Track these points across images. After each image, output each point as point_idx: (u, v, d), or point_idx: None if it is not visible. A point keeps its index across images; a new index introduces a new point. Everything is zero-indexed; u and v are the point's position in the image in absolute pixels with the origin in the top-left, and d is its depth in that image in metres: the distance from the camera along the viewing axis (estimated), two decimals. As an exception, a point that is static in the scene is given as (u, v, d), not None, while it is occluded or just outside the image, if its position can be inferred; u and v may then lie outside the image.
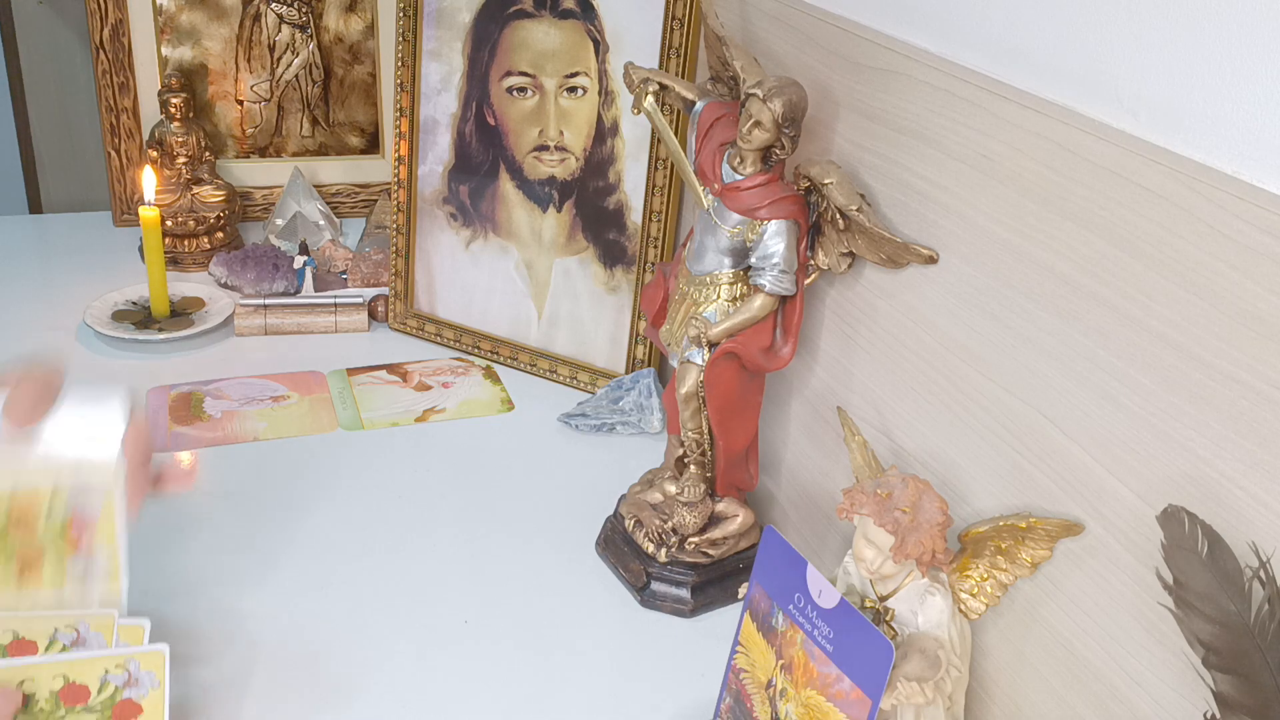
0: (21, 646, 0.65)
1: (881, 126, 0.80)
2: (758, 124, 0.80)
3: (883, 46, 0.80)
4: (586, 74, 1.16)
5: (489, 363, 1.26)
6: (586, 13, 1.15)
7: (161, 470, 0.70)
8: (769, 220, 0.83)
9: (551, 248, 1.23)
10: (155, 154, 1.45)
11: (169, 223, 1.39)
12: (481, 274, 1.27)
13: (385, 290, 1.35)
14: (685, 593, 0.91)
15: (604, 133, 1.17)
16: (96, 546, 0.65)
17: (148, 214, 1.23)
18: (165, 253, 1.29)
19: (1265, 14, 0.52)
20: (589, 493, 1.04)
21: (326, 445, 1.10)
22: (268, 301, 1.30)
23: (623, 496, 0.99)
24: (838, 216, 0.81)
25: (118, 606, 0.67)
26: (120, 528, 0.67)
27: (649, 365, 1.18)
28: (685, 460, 0.93)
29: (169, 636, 0.68)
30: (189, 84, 1.47)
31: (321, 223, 1.47)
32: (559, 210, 1.21)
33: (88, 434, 0.65)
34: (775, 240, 0.83)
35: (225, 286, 1.37)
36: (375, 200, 1.57)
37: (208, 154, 1.47)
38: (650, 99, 0.88)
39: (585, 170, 1.19)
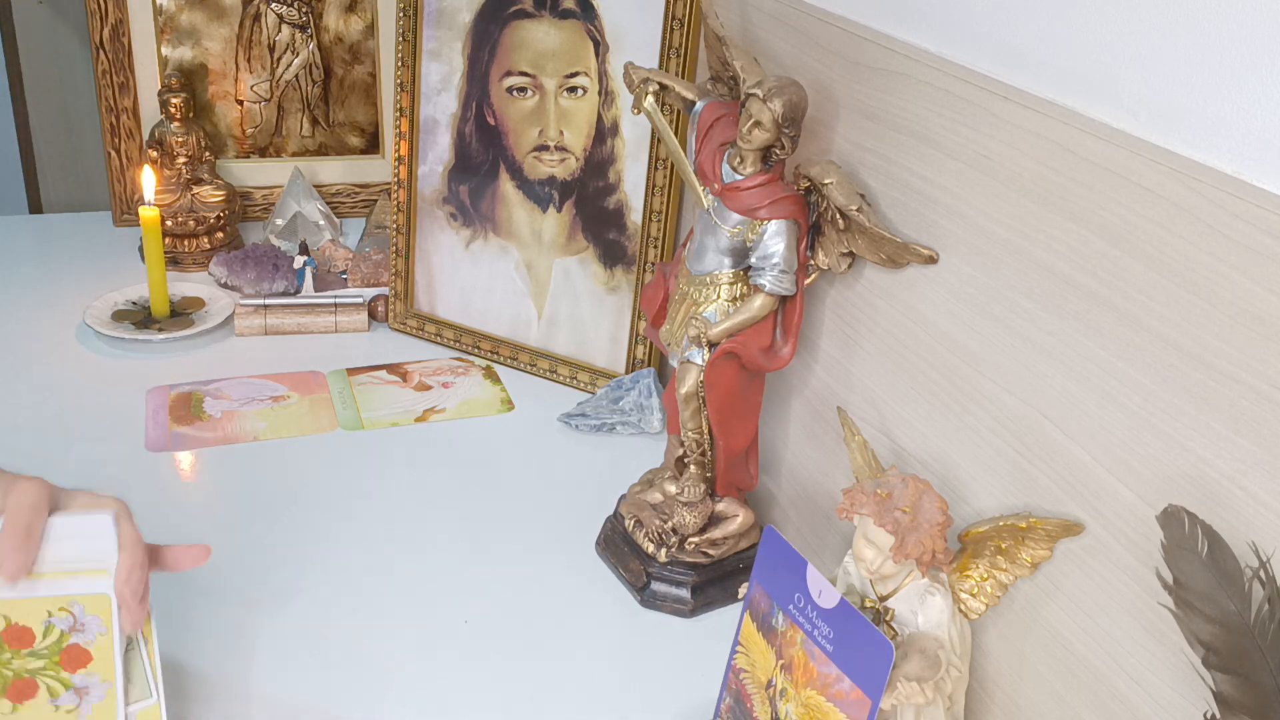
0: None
1: (881, 126, 0.80)
2: (758, 124, 0.80)
3: (883, 46, 0.80)
4: (586, 74, 1.16)
5: (489, 363, 1.26)
6: (586, 13, 1.15)
7: (165, 556, 0.68)
8: (769, 220, 0.83)
9: (551, 248, 1.23)
10: (155, 154, 1.45)
11: (169, 223, 1.39)
12: (481, 274, 1.27)
13: (385, 290, 1.35)
14: (685, 593, 0.91)
15: (604, 133, 1.17)
16: (96, 660, 0.64)
17: (148, 214, 1.23)
18: (165, 253, 1.29)
19: (1265, 14, 0.52)
20: (589, 493, 1.04)
21: (326, 445, 1.10)
22: (268, 301, 1.30)
23: (623, 496, 0.99)
24: (838, 216, 0.81)
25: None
26: (152, 648, 0.66)
27: (649, 365, 1.18)
28: (685, 460, 0.93)
29: (167, 636, 0.68)
30: (189, 84, 1.47)
31: (321, 223, 1.48)
32: (559, 210, 1.21)
33: (81, 563, 0.63)
34: (775, 240, 0.83)
35: (225, 286, 1.37)
36: (375, 200, 1.57)
37: (208, 154, 1.47)
38: (650, 99, 0.88)
39: (585, 170, 1.19)
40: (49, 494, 0.62)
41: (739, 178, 0.83)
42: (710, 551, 0.92)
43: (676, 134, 1.01)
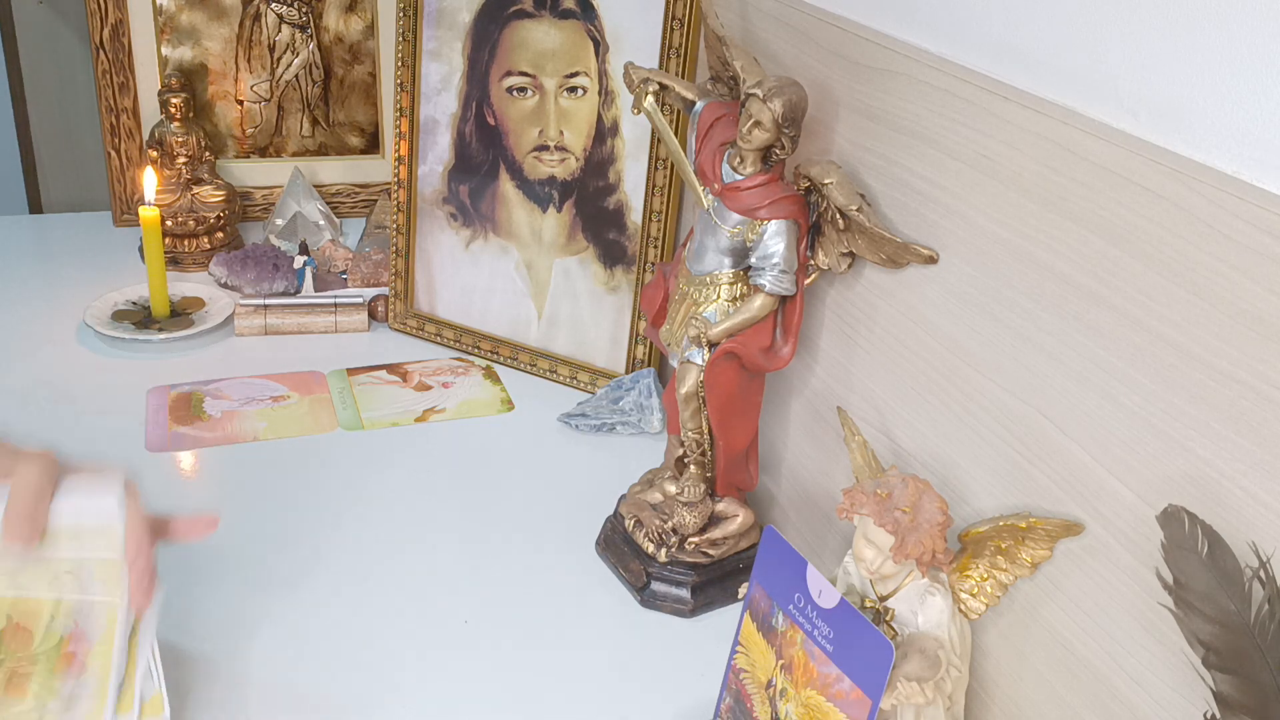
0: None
1: (881, 126, 0.80)
2: (758, 124, 0.80)
3: (883, 46, 0.80)
4: (586, 74, 1.16)
5: (489, 363, 1.26)
6: (586, 13, 1.15)
7: (174, 526, 0.68)
8: (769, 220, 0.83)
9: (551, 248, 1.23)
10: (155, 154, 1.45)
11: (169, 223, 1.39)
12: (481, 274, 1.27)
13: (385, 290, 1.35)
14: (685, 593, 0.91)
15: (604, 133, 1.17)
16: (90, 667, 0.64)
17: (148, 214, 1.23)
18: (165, 253, 1.29)
19: (1265, 14, 0.52)
20: (589, 493, 1.03)
21: (326, 445, 1.10)
22: (268, 301, 1.30)
23: (623, 496, 0.99)
24: (838, 216, 0.81)
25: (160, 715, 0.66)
26: (147, 631, 0.66)
27: (649, 365, 1.18)
28: (685, 460, 0.93)
29: (167, 636, 0.68)
30: (189, 84, 1.47)
31: (321, 223, 1.48)
32: (559, 210, 1.21)
33: (88, 536, 0.63)
34: (775, 240, 0.83)
35: (225, 286, 1.37)
36: (375, 200, 1.57)
37: (208, 154, 1.47)
38: (650, 99, 0.88)
39: (585, 170, 1.19)
40: (57, 466, 0.63)
41: (739, 178, 0.83)
42: (710, 551, 0.92)
43: (676, 134, 1.01)
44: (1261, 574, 0.50)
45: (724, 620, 0.90)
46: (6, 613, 0.63)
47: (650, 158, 1.13)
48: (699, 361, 0.87)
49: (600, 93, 1.16)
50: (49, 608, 0.63)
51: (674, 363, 0.91)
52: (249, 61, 1.51)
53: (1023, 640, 0.69)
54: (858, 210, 0.79)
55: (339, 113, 1.56)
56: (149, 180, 1.30)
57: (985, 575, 0.68)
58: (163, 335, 1.24)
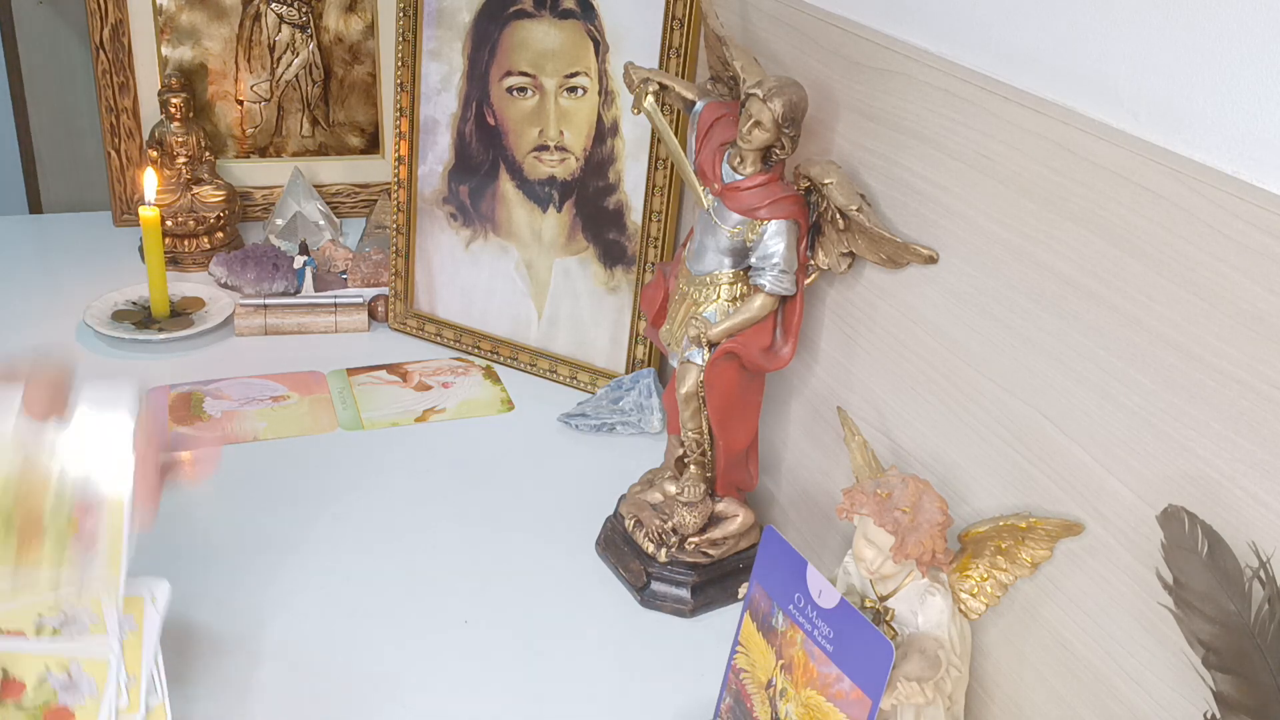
0: (10, 686, 0.64)
1: (881, 126, 0.80)
2: (758, 124, 0.80)
3: (883, 46, 0.80)
4: (586, 74, 1.16)
5: (489, 363, 1.26)
6: (586, 13, 1.15)
7: (176, 461, 0.70)
8: (769, 220, 0.83)
9: (551, 248, 1.23)
10: (155, 154, 1.45)
11: (169, 223, 1.39)
12: (481, 274, 1.27)
13: (385, 290, 1.35)
14: (685, 593, 0.91)
15: (604, 133, 1.17)
16: (100, 533, 0.63)
17: (148, 214, 1.23)
18: (165, 253, 1.29)
19: (1265, 14, 0.52)
20: (589, 493, 1.03)
21: (326, 445, 1.10)
22: (268, 301, 1.30)
23: (623, 496, 0.99)
24: (838, 216, 0.81)
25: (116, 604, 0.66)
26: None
27: (649, 365, 1.18)
28: (685, 460, 0.93)
29: (168, 636, 0.68)
30: (189, 84, 1.47)
31: (321, 223, 1.48)
32: (559, 210, 1.21)
33: (100, 433, 0.64)
34: (775, 240, 0.83)
35: (225, 286, 1.37)
36: (375, 200, 1.57)
37: (208, 154, 1.47)
38: (650, 99, 0.88)
39: (585, 170, 1.19)
40: (72, 372, 0.66)
41: (739, 178, 0.83)
42: (710, 551, 0.92)
43: (676, 134, 1.01)
44: (1261, 574, 0.50)
45: (724, 620, 0.90)
46: (15, 483, 0.63)
47: (650, 158, 1.13)
48: (699, 361, 0.87)
49: (600, 93, 1.16)
50: (56, 477, 0.63)
51: (674, 363, 0.91)
52: (249, 61, 1.51)
53: (1023, 640, 0.69)
54: (858, 210, 0.79)
55: (339, 113, 1.56)
56: (149, 180, 1.30)
57: (985, 575, 0.68)
58: (163, 335, 1.24)
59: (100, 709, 0.65)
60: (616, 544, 0.96)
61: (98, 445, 0.64)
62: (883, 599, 0.68)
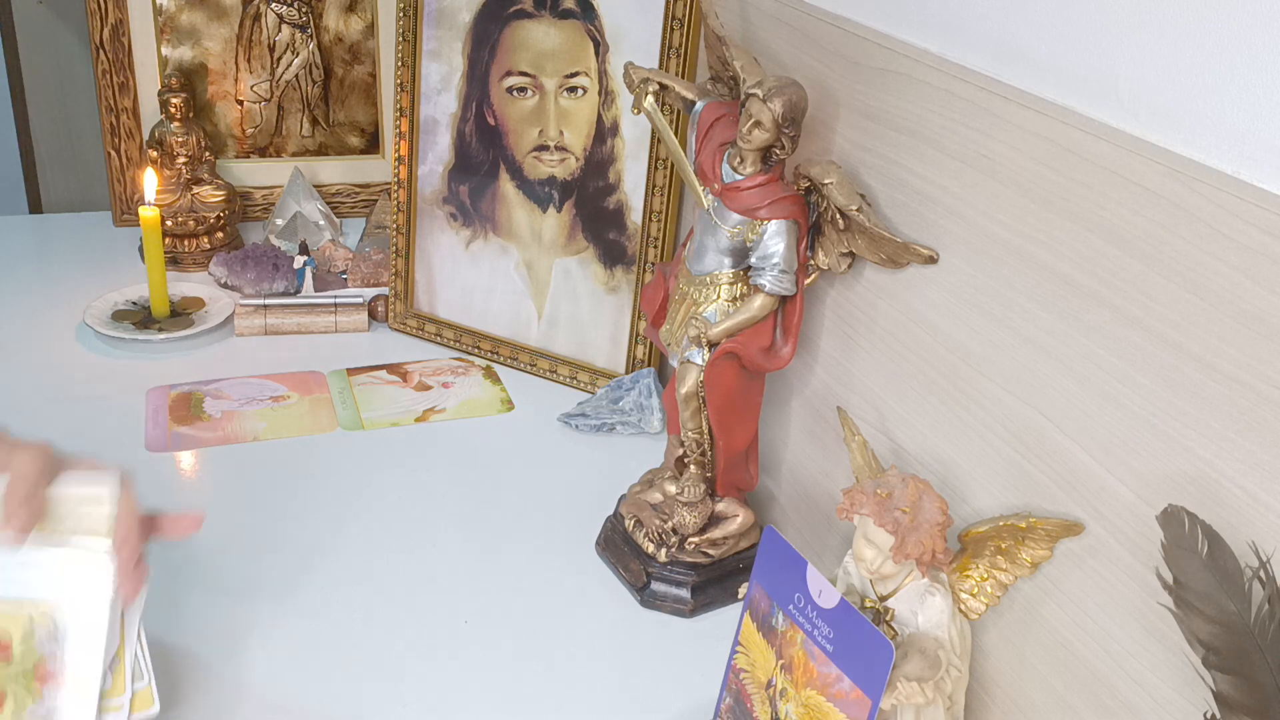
0: None
1: (881, 126, 0.80)
2: (758, 124, 0.80)
3: (883, 46, 0.80)
4: (586, 74, 1.16)
5: (489, 363, 1.26)
6: (586, 13, 1.15)
7: (162, 524, 0.69)
8: (769, 220, 0.83)
9: (551, 248, 1.23)
10: (155, 154, 1.45)
11: (169, 223, 1.39)
12: (481, 274, 1.27)
13: (385, 290, 1.35)
14: (685, 593, 0.91)
15: (604, 133, 1.17)
16: (68, 679, 0.63)
17: (148, 214, 1.23)
18: (165, 253, 1.29)
19: (1265, 14, 0.52)
20: (589, 493, 1.04)
21: (326, 445, 1.10)
22: (268, 301, 1.30)
23: (623, 496, 0.99)
24: (838, 216, 0.81)
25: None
26: (133, 623, 0.66)
27: (649, 365, 1.18)
28: (685, 460, 0.93)
29: (166, 638, 0.68)
30: (189, 84, 1.47)
31: (321, 223, 1.47)
32: (559, 210, 1.21)
33: (81, 520, 0.64)
34: (775, 240, 0.83)
35: (225, 286, 1.37)
36: (375, 200, 1.57)
37: (208, 154, 1.47)
38: (650, 99, 0.88)
39: (585, 170, 1.19)
40: (54, 457, 0.65)
41: (739, 178, 0.83)
42: (710, 551, 0.92)
43: (676, 134, 1.01)
44: (1261, 574, 0.50)
45: (724, 620, 0.90)
46: None
47: (650, 158, 1.13)
48: (699, 361, 0.87)
49: (600, 93, 1.16)
50: (21, 630, 0.63)
51: (674, 363, 0.91)
52: (249, 61, 1.51)
53: (1023, 640, 0.69)
54: (858, 210, 0.79)
55: (339, 113, 1.56)
56: (149, 180, 1.30)
57: (985, 575, 0.68)
58: (163, 335, 1.24)
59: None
60: (616, 544, 0.96)
61: (74, 581, 0.64)
62: (883, 599, 0.68)
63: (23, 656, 0.63)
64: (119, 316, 1.28)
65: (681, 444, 0.93)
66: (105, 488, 0.65)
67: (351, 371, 1.23)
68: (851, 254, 0.83)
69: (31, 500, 0.63)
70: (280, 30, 1.50)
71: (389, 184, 1.48)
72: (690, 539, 0.92)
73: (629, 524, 0.95)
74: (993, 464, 0.71)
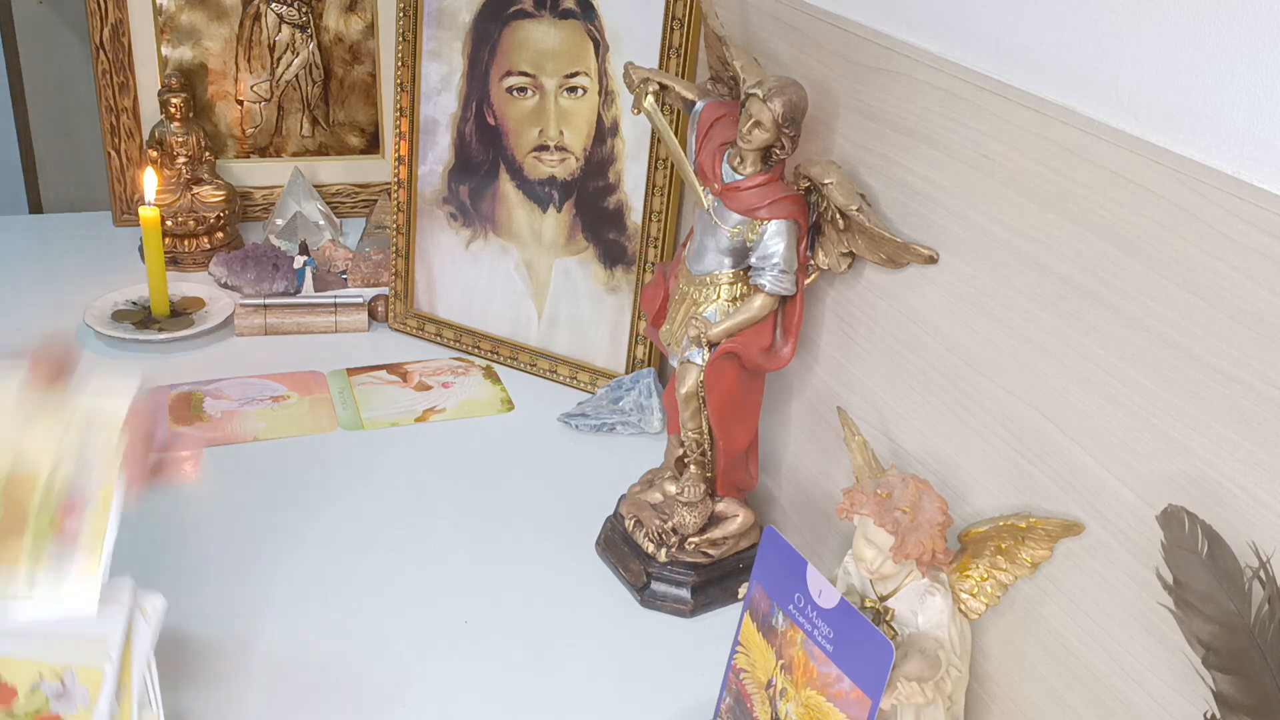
0: (2, 691, 0.64)
1: (881, 126, 0.80)
2: (758, 124, 0.80)
3: (883, 47, 0.80)
4: (586, 74, 1.16)
5: (489, 363, 1.26)
6: (586, 13, 1.15)
7: (163, 459, 0.70)
8: (769, 220, 0.83)
9: (551, 248, 1.23)
10: (155, 154, 1.45)
11: (169, 223, 1.39)
12: (481, 274, 1.27)
13: (385, 290, 1.35)
14: (685, 593, 0.91)
15: (604, 133, 1.17)
16: (82, 534, 0.63)
17: (148, 214, 1.23)
18: (165, 253, 1.29)
19: (1265, 14, 0.52)
20: (589, 493, 1.04)
21: (326, 445, 1.10)
22: (268, 301, 1.30)
23: (623, 496, 0.99)
24: (838, 216, 0.81)
25: (90, 607, 0.65)
26: (113, 514, 0.65)
27: (649, 365, 1.18)
28: (685, 460, 0.93)
29: (165, 638, 0.68)
30: (189, 84, 1.47)
31: (321, 223, 1.47)
32: (559, 210, 1.21)
33: (98, 406, 0.65)
34: (775, 240, 0.83)
35: (225, 286, 1.37)
36: (375, 200, 1.57)
37: (208, 154, 1.47)
38: (650, 99, 0.88)
39: (585, 170, 1.19)
40: (78, 348, 0.67)
41: (739, 178, 0.83)
42: (710, 551, 0.92)
43: (676, 134, 1.01)
44: (1261, 574, 0.50)
45: (724, 620, 0.90)
46: (4, 478, 0.62)
47: (650, 158, 1.13)
48: (699, 361, 0.87)
49: (600, 93, 1.16)
50: (45, 474, 0.63)
51: (674, 363, 0.91)
52: (249, 61, 1.51)
53: (1023, 640, 0.69)
54: (858, 210, 0.79)
55: (339, 113, 1.56)
56: (149, 180, 1.30)
57: (985, 575, 0.68)
58: (163, 335, 1.24)
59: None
60: (616, 544, 0.96)
61: (94, 424, 0.64)
62: (883, 599, 0.68)
63: (41, 505, 0.62)
64: (119, 316, 1.28)
65: (681, 444, 0.93)
66: (129, 381, 0.67)
67: (351, 371, 1.23)
68: (851, 254, 0.83)
69: (62, 361, 0.65)
70: (280, 30, 1.50)
71: (389, 184, 1.48)
72: (690, 539, 0.92)
73: (629, 524, 0.95)
74: (993, 464, 0.71)
